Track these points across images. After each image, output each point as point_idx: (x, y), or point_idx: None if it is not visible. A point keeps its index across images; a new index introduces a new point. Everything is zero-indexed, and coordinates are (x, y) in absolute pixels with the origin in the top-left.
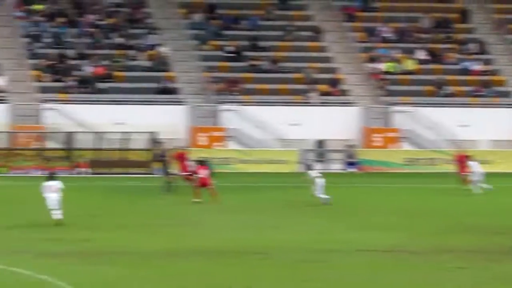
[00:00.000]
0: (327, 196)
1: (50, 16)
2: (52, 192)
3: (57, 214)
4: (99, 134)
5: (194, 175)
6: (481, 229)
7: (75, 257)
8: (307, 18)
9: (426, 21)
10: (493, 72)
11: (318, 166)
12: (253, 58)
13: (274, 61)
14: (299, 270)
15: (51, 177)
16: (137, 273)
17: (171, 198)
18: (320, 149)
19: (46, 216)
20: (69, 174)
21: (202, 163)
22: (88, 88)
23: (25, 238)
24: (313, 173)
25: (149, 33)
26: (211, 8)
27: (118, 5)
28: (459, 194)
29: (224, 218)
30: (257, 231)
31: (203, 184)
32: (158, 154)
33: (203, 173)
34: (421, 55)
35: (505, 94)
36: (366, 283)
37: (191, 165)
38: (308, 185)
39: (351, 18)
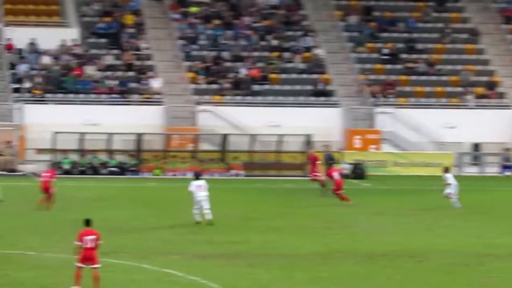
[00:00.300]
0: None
1: (206, 18)
2: (201, 191)
3: (208, 214)
4: (253, 136)
5: (327, 177)
6: None
7: (227, 259)
8: (464, 20)
9: None
10: None
11: (473, 169)
12: (409, 61)
13: (430, 63)
14: (457, 274)
15: (197, 177)
16: (289, 275)
17: (325, 201)
18: (476, 152)
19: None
20: (223, 176)
21: (332, 165)
22: (243, 90)
23: (177, 240)
24: (449, 176)
25: (305, 35)
26: (367, 10)
27: (274, 7)
28: None
29: (377, 220)
30: (411, 234)
31: (338, 187)
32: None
33: (336, 175)
34: None
35: None
36: None
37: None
38: (444, 187)
39: (509, 20)
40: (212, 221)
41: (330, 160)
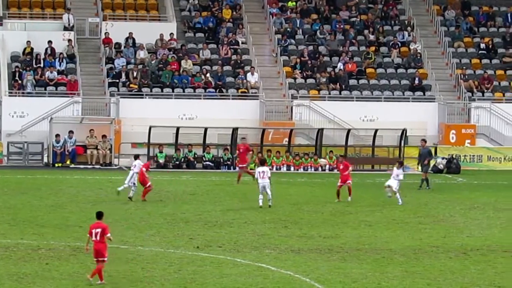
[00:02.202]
0: None
1: (303, 13)
2: (263, 179)
3: (269, 200)
4: (349, 131)
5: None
6: None
7: (320, 253)
8: None
9: None
10: None
11: None
12: (506, 55)
13: None
14: None
15: (262, 164)
16: (382, 269)
17: (419, 196)
18: None
19: (291, 213)
20: (317, 171)
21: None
22: (340, 84)
23: (270, 234)
24: None
25: (402, 30)
26: (464, 5)
27: (371, 1)
28: None
29: (471, 215)
30: (505, 229)
31: (344, 181)
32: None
33: (345, 169)
34: None
35: None
36: None
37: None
38: None
39: None
40: (271, 206)
41: (427, 155)
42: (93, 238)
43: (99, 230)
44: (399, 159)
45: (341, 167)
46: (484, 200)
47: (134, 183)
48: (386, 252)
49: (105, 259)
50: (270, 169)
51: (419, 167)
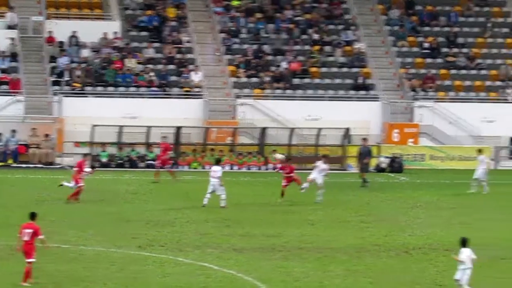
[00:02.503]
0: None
1: (248, 12)
2: (214, 178)
3: (222, 201)
4: (292, 130)
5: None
6: None
7: (263, 252)
8: (505, 14)
9: None
10: None
11: (511, 163)
12: (449, 55)
13: (471, 57)
14: (494, 267)
15: (217, 162)
16: (324, 268)
17: (363, 194)
18: None
19: (235, 212)
20: (261, 170)
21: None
22: (284, 83)
23: (213, 234)
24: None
25: (346, 29)
26: (408, 4)
27: (315, 0)
28: None
29: (413, 214)
30: (447, 227)
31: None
32: (361, 151)
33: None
34: None
35: None
36: None
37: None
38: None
39: None
40: (224, 208)
41: (367, 154)
42: (24, 238)
43: (30, 230)
44: (325, 154)
45: (286, 169)
46: (427, 199)
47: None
48: (328, 251)
49: (33, 260)
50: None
51: (358, 166)
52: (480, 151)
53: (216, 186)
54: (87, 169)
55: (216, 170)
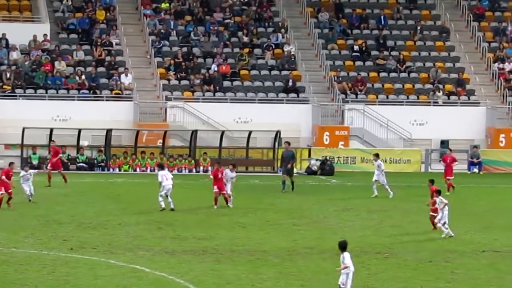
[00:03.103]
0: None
1: (177, 14)
2: (167, 180)
3: (170, 203)
4: (222, 133)
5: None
6: None
7: (194, 255)
8: (434, 17)
9: None
10: None
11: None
12: (379, 58)
13: (400, 60)
14: (423, 270)
15: (162, 168)
16: (256, 271)
17: (293, 197)
18: (444, 149)
19: (165, 215)
20: (192, 172)
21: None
22: (214, 86)
23: (145, 236)
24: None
25: (276, 32)
26: (338, 7)
27: (245, 3)
28: None
29: (345, 217)
30: (378, 230)
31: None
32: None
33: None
34: None
35: None
36: (490, 284)
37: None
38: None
39: (479, 17)
40: (174, 209)
41: (291, 158)
42: None
43: None
44: (233, 163)
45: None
46: (358, 201)
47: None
48: (260, 254)
49: None
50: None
51: (281, 169)
52: (376, 155)
53: (170, 190)
54: (31, 171)
55: (168, 173)
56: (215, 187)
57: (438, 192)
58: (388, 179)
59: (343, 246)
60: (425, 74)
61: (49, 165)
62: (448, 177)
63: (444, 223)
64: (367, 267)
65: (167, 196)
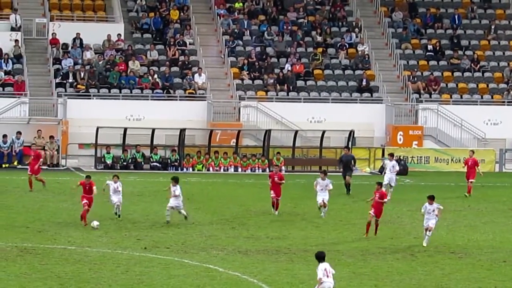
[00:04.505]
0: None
1: (251, 14)
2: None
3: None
4: (296, 132)
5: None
6: None
7: (268, 254)
8: (509, 16)
9: None
10: None
11: None
12: (453, 57)
13: (474, 60)
14: (498, 270)
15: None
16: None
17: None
18: None
19: (239, 214)
20: (265, 172)
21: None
22: (287, 86)
23: (218, 235)
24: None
25: (350, 31)
26: (412, 7)
27: (319, 3)
28: None
29: (418, 217)
30: (452, 230)
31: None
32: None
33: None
34: None
35: None
36: None
37: None
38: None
39: None
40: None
41: (349, 164)
42: None
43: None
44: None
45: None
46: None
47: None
48: (334, 253)
49: None
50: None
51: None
52: (391, 155)
53: (178, 206)
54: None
55: (176, 189)
56: (272, 192)
57: (432, 198)
58: (463, 179)
59: (319, 257)
60: (499, 74)
61: (29, 170)
62: (470, 180)
63: (428, 229)
64: (441, 267)
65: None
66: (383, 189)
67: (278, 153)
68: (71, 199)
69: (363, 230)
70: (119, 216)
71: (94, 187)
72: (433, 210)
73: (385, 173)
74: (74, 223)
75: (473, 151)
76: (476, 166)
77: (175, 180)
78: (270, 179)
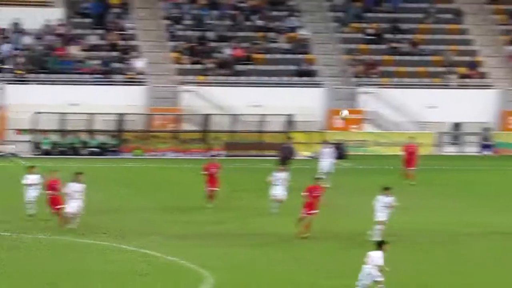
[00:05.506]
0: None
1: None
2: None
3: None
4: (235, 117)
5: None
6: None
7: (206, 239)
8: (448, 0)
9: None
10: None
11: (453, 148)
12: (393, 41)
13: (414, 43)
14: (433, 253)
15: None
16: (268, 255)
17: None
18: (456, 132)
19: (178, 199)
20: (204, 157)
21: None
22: (227, 70)
23: (157, 221)
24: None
25: (290, 16)
26: None
27: None
28: None
29: (356, 200)
30: (391, 213)
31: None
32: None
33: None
34: None
35: None
36: (498, 266)
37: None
38: None
39: (492, 0)
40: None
41: (288, 154)
42: None
43: None
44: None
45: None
46: (369, 185)
47: None
48: (273, 237)
49: None
50: None
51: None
52: (327, 142)
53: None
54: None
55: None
56: (208, 184)
57: (388, 190)
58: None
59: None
60: (439, 57)
61: None
62: (408, 167)
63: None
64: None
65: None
66: (322, 180)
67: (217, 137)
68: (7, 185)
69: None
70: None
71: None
72: (388, 203)
73: (322, 160)
74: (9, 210)
75: (413, 137)
76: (416, 153)
77: (30, 168)
78: (206, 171)
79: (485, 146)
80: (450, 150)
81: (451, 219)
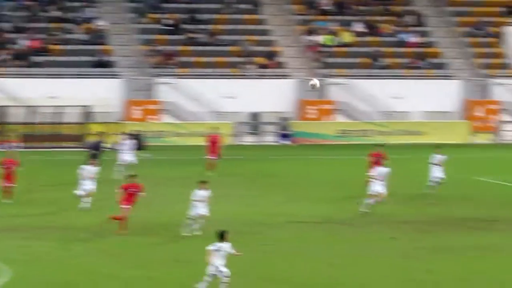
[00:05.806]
0: None
1: None
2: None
3: None
4: (32, 108)
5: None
6: (413, 200)
7: (3, 232)
8: None
9: None
10: (429, 44)
11: (251, 138)
12: (190, 31)
13: (212, 34)
14: (233, 242)
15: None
16: (66, 247)
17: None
18: (254, 122)
19: None
20: (1, 149)
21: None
22: (23, 61)
23: None
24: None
25: (86, 6)
26: None
27: None
28: (394, 165)
29: (155, 191)
30: (189, 204)
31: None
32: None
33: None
34: (359, 27)
35: (440, 66)
36: (297, 255)
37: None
38: None
39: None
40: None
41: (95, 149)
42: None
43: None
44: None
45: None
46: (168, 175)
47: None
48: (71, 230)
49: None
50: None
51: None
52: (125, 133)
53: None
54: None
55: None
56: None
57: (204, 183)
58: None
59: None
60: (237, 48)
61: None
62: (210, 157)
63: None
64: (175, 240)
65: None
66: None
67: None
68: None
69: (100, 205)
70: None
71: None
72: (204, 196)
73: (122, 152)
74: None
75: (216, 127)
76: (218, 143)
77: None
78: (3, 166)
79: (284, 136)
80: (248, 139)
81: (250, 209)
